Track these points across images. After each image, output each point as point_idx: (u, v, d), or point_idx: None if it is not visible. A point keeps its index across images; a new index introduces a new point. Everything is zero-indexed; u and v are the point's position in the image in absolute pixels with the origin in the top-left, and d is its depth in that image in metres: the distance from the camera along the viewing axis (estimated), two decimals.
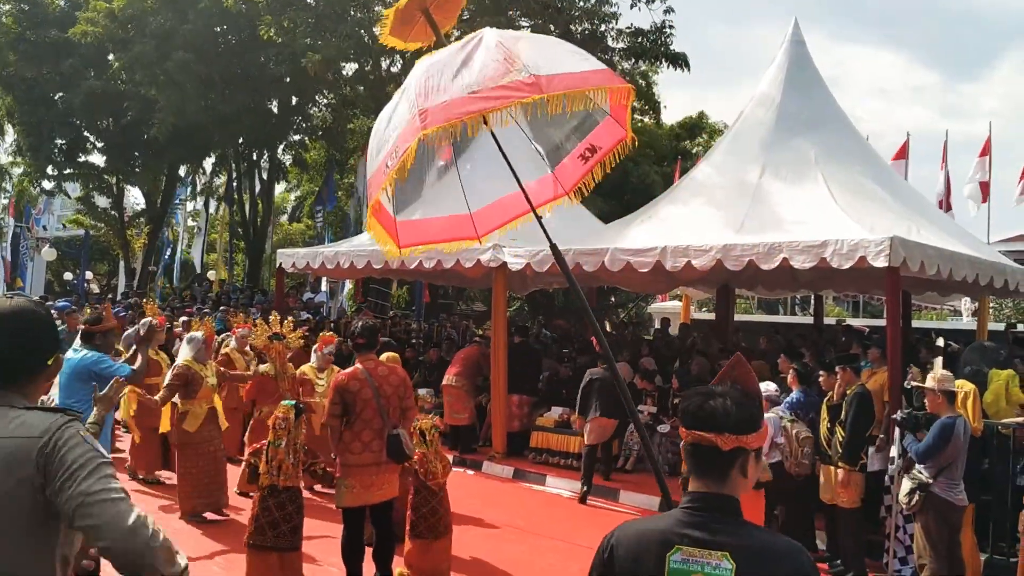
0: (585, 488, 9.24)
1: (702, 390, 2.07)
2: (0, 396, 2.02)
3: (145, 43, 19.23)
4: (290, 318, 9.92)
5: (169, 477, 8.64)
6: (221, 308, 17.14)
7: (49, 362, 2.13)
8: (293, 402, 5.88)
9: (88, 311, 13.27)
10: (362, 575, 5.71)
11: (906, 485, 6.09)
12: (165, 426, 8.06)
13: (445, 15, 4.20)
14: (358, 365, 5.74)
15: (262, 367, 8.75)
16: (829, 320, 20.09)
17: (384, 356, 6.86)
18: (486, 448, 11.17)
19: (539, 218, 3.91)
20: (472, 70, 3.49)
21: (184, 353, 7.77)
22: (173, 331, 11.51)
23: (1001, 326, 18.07)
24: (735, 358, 2.58)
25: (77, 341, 6.40)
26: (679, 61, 19.35)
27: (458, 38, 3.95)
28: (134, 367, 6.16)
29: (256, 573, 5.50)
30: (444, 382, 11.29)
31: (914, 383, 7.24)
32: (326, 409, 5.80)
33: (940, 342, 9.70)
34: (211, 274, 27.02)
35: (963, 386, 6.49)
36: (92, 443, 1.98)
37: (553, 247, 3.83)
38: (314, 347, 9.08)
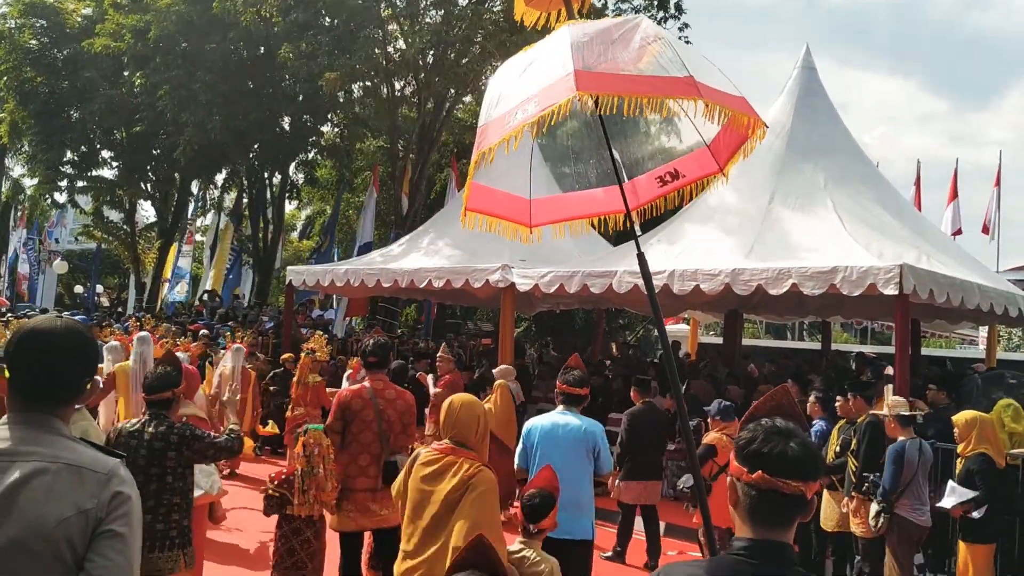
0: (619, 549, 7.81)
1: (772, 429, 1.84)
2: (48, 419, 1.94)
3: (171, 62, 19.39)
4: (322, 334, 10.23)
5: None
6: (228, 323, 17.17)
7: (88, 385, 2.07)
8: (321, 427, 5.46)
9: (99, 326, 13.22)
10: None
11: (873, 508, 6.36)
12: None
13: None
14: (365, 383, 5.53)
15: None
16: (838, 346, 19.97)
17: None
18: None
19: (632, 223, 3.78)
20: (630, 50, 3.30)
21: None
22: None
23: (1013, 355, 17.92)
24: (780, 388, 2.37)
25: None
26: None
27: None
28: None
29: None
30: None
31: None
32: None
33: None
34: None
35: (975, 417, 6.36)
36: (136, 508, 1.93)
37: (640, 256, 3.86)
38: (346, 374, 9.03)
